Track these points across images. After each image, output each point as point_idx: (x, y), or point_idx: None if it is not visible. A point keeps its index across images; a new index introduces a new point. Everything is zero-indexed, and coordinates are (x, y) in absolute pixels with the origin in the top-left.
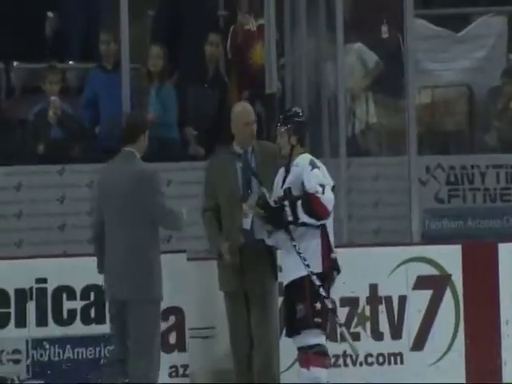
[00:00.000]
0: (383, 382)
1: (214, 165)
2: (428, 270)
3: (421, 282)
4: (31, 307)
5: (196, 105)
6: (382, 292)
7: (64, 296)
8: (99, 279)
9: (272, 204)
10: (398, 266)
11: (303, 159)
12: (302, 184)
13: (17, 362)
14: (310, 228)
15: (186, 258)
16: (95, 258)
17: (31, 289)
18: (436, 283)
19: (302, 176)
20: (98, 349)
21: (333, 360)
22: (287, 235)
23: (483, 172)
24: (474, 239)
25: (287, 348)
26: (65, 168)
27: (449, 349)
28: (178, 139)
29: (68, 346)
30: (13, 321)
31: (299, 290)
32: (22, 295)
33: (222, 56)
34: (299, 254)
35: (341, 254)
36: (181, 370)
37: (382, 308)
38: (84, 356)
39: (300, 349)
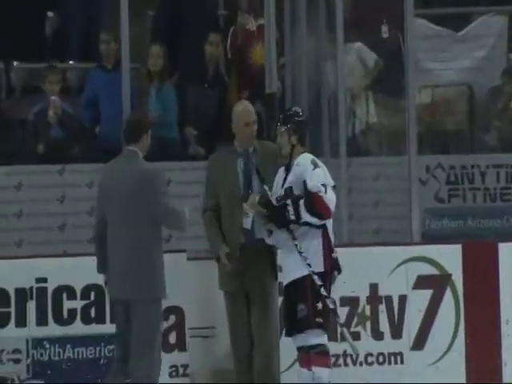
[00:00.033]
0: (383, 382)
1: (215, 164)
2: (428, 270)
3: (421, 282)
4: (31, 307)
5: (196, 105)
6: (382, 292)
7: (64, 296)
8: (99, 279)
9: (274, 203)
10: (399, 265)
11: (304, 158)
12: (304, 183)
13: (17, 361)
14: (311, 228)
15: (186, 258)
16: (95, 258)
17: (31, 288)
18: (436, 283)
19: (303, 175)
20: (98, 348)
21: (333, 360)
22: (289, 234)
23: (483, 172)
24: (474, 239)
25: (287, 348)
26: (65, 168)
27: (449, 348)
28: (178, 139)
29: (68, 346)
30: (13, 320)
31: (300, 289)
32: (22, 295)
33: (221, 56)
34: (300, 253)
35: (341, 254)
36: (181, 370)
37: (382, 307)
38: (84, 356)
39: (300, 348)
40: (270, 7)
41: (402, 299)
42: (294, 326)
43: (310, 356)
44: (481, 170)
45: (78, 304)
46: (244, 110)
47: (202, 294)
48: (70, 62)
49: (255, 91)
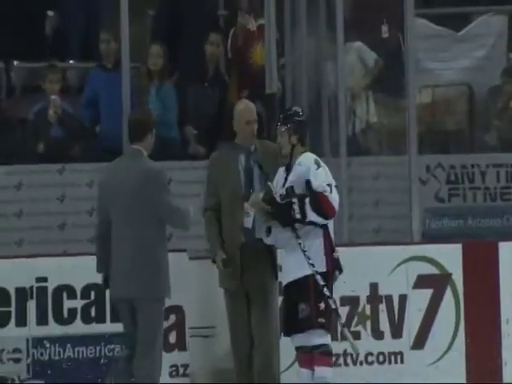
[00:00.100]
0: (383, 382)
1: (216, 163)
2: (428, 269)
3: (421, 281)
4: (31, 306)
5: (196, 104)
6: (382, 291)
7: (64, 295)
8: (99, 278)
9: (279, 200)
10: (399, 265)
11: (307, 158)
12: (308, 183)
13: (17, 361)
14: (313, 227)
15: (187, 257)
16: (95, 257)
17: (31, 288)
18: (436, 282)
19: (306, 175)
20: (98, 348)
21: (333, 359)
22: (292, 233)
23: (483, 171)
24: (475, 238)
25: (287, 348)
26: (65, 167)
27: (449, 348)
28: (178, 138)
29: (68, 345)
30: (13, 320)
31: (303, 289)
32: (22, 294)
33: (222, 56)
34: (304, 252)
35: (341, 253)
36: (181, 370)
37: (382, 307)
38: (84, 355)
39: (299, 348)
40: (270, 7)
41: (403, 299)
42: (295, 326)
43: (314, 356)
44: (481, 170)
45: (78, 303)
46: (245, 108)
47: (202, 293)
48: (70, 61)
49: (255, 91)
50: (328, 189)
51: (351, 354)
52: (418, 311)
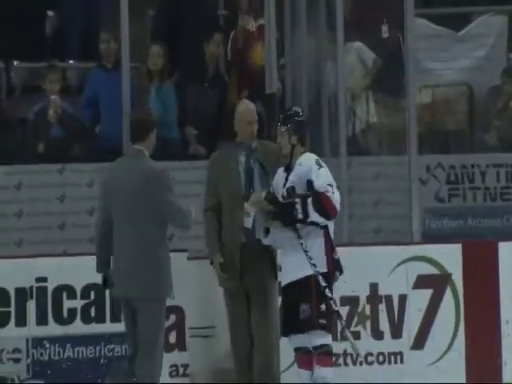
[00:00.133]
0: (383, 382)
1: (217, 163)
2: (428, 269)
3: (421, 281)
4: (31, 306)
5: (196, 104)
6: (382, 291)
7: (64, 295)
8: (99, 278)
9: (281, 200)
10: (399, 265)
11: (308, 158)
12: (309, 183)
13: (17, 361)
14: (314, 227)
15: (187, 257)
16: (95, 257)
17: (31, 288)
18: (436, 282)
19: (308, 175)
20: (98, 348)
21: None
22: (294, 233)
23: (483, 171)
24: (475, 238)
25: (287, 348)
26: (65, 167)
27: (449, 348)
28: (178, 139)
29: (68, 345)
30: (13, 320)
31: (305, 290)
32: (22, 294)
33: (222, 55)
34: (306, 252)
35: (341, 254)
36: (181, 370)
37: (382, 307)
38: (84, 355)
39: (297, 349)
40: (270, 7)
41: (402, 299)
42: (296, 327)
43: (315, 356)
44: (481, 170)
45: (77, 303)
46: (246, 108)
47: (202, 293)
48: (70, 61)
49: (255, 91)
50: (330, 189)
51: (351, 354)
52: (418, 311)
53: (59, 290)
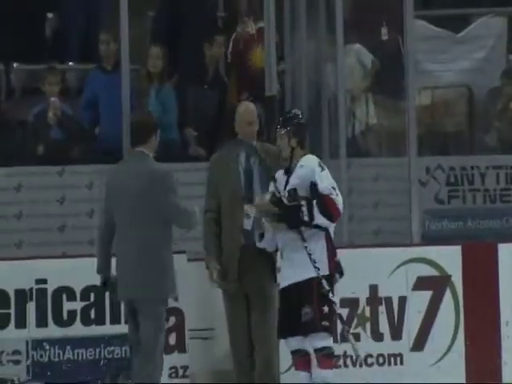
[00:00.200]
0: (383, 383)
1: (217, 164)
2: (428, 271)
3: (421, 283)
4: (31, 308)
5: (196, 106)
6: (382, 293)
7: (64, 297)
8: (99, 280)
9: (286, 202)
10: (398, 266)
11: (310, 160)
12: (313, 185)
13: (17, 362)
14: (316, 230)
15: (186, 259)
16: (95, 259)
17: (31, 289)
18: (436, 284)
19: (311, 177)
20: (97, 350)
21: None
22: (298, 235)
23: (483, 173)
24: (474, 240)
25: (287, 349)
26: (64, 169)
27: (449, 349)
28: (178, 140)
29: (68, 347)
30: (13, 321)
31: (306, 292)
32: (22, 296)
33: (222, 57)
34: (310, 255)
35: (341, 255)
36: (181, 371)
37: (382, 309)
38: (84, 357)
39: (295, 352)
40: (269, 10)
41: (402, 300)
42: (297, 329)
43: (317, 358)
44: (480, 171)
45: (77, 305)
46: (246, 109)
47: (201, 295)
48: (70, 63)
49: (255, 93)
50: (333, 191)
51: (351, 356)
52: (418, 313)
53: (59, 291)
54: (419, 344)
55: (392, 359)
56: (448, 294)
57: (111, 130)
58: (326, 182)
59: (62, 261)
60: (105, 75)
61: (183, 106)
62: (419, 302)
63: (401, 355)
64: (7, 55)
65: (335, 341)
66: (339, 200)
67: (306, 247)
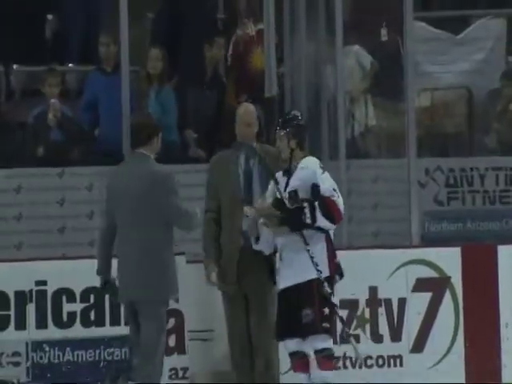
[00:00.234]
0: (383, 383)
1: (216, 166)
2: (427, 273)
3: (420, 285)
4: (31, 309)
5: (196, 107)
6: (381, 294)
7: (64, 298)
8: (99, 282)
9: (288, 205)
10: (398, 268)
11: (311, 162)
12: (315, 186)
13: (17, 364)
14: (317, 232)
15: (186, 261)
16: (95, 261)
17: (31, 291)
18: (435, 285)
19: (312, 179)
20: (97, 351)
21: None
22: (299, 237)
23: (482, 174)
24: (474, 241)
25: None
26: (64, 171)
27: (448, 351)
28: (178, 142)
29: (68, 349)
30: (12, 323)
31: (307, 294)
32: (21, 297)
33: (222, 59)
34: (312, 258)
35: (341, 257)
36: (180, 373)
37: (381, 310)
38: (84, 358)
39: (293, 354)
40: (269, 11)
41: (402, 302)
42: (296, 331)
43: (317, 360)
44: (480, 173)
45: (77, 307)
46: (246, 111)
47: (201, 296)
48: (70, 64)
49: (254, 95)
50: (335, 193)
51: (350, 357)
52: (417, 314)
53: (59, 293)
54: (419, 345)
55: (392, 361)
56: (447, 296)
57: (111, 131)
58: (327, 183)
59: (62, 262)
60: (105, 77)
61: (183, 107)
62: (419, 303)
63: (400, 357)
64: (7, 57)
65: (335, 342)
66: (340, 202)
67: (308, 250)
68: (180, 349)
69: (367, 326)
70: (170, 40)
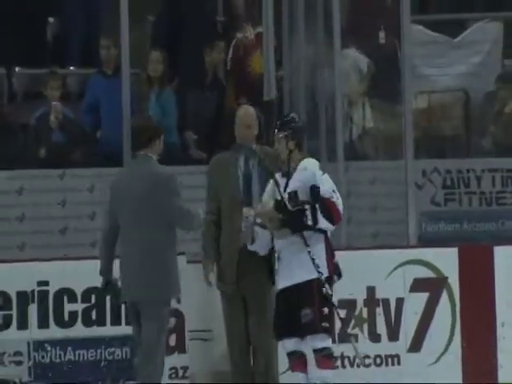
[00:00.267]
0: (381, 383)
1: (216, 168)
2: (425, 273)
3: (418, 285)
4: (33, 309)
5: (196, 110)
6: (379, 294)
7: (65, 298)
8: (100, 282)
9: (290, 207)
10: (395, 268)
11: (311, 164)
12: (315, 188)
13: (18, 363)
14: (315, 232)
15: (186, 261)
16: (97, 261)
17: (33, 291)
18: (433, 286)
19: (312, 180)
20: (99, 351)
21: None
22: (300, 239)
23: (479, 176)
24: (470, 242)
25: None
26: (66, 172)
27: (445, 351)
28: (178, 144)
29: (69, 348)
30: (15, 323)
31: (306, 294)
32: (23, 298)
33: (221, 61)
34: (313, 260)
35: (339, 257)
36: (181, 372)
37: (379, 310)
38: (85, 358)
39: (291, 354)
40: (268, 15)
41: (399, 302)
42: (295, 331)
43: (316, 359)
44: (476, 174)
45: (78, 307)
46: (245, 113)
47: (201, 296)
48: (71, 67)
49: (253, 98)
50: (334, 194)
51: (349, 357)
52: (415, 314)
53: (60, 293)
54: (416, 345)
55: (389, 360)
56: (444, 296)
57: (112, 133)
58: (326, 185)
59: (64, 263)
60: (105, 79)
61: (183, 109)
62: (416, 303)
63: (398, 356)
64: (9, 59)
65: (333, 341)
66: (340, 203)
67: (309, 252)
68: (180, 348)
69: (365, 326)
70: (171, 43)
